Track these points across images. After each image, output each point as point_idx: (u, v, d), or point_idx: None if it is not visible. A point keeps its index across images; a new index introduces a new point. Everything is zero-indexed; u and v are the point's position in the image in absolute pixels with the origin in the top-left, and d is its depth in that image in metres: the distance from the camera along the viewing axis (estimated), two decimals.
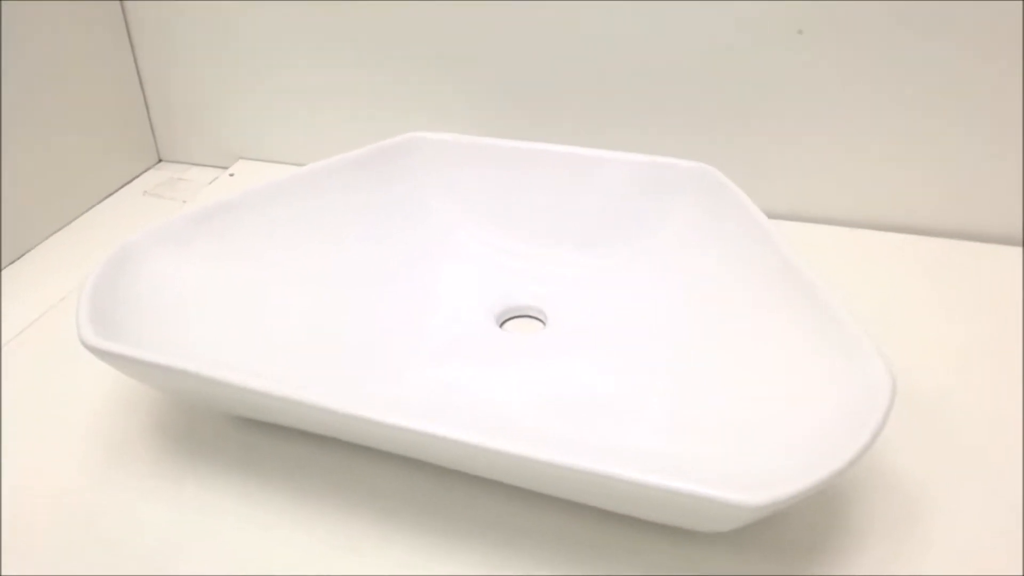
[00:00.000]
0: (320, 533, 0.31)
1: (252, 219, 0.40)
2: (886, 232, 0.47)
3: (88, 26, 0.53)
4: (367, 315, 0.39)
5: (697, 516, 0.26)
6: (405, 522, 0.31)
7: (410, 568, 0.29)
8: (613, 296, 0.40)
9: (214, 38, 0.54)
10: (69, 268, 0.47)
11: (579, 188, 0.43)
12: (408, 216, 0.44)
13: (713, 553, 0.29)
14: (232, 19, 0.53)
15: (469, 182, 0.44)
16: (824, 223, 0.48)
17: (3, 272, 0.47)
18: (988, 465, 0.32)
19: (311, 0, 0.51)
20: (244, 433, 0.35)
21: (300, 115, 0.56)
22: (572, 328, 0.39)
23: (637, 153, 0.42)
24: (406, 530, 0.31)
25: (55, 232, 0.51)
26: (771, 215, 0.47)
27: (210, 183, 0.57)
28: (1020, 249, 0.45)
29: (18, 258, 0.49)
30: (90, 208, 0.54)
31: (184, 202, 0.55)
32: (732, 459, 0.29)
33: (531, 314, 0.41)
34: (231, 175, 0.58)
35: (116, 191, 0.57)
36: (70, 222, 0.53)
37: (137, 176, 0.59)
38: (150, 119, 0.59)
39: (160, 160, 0.61)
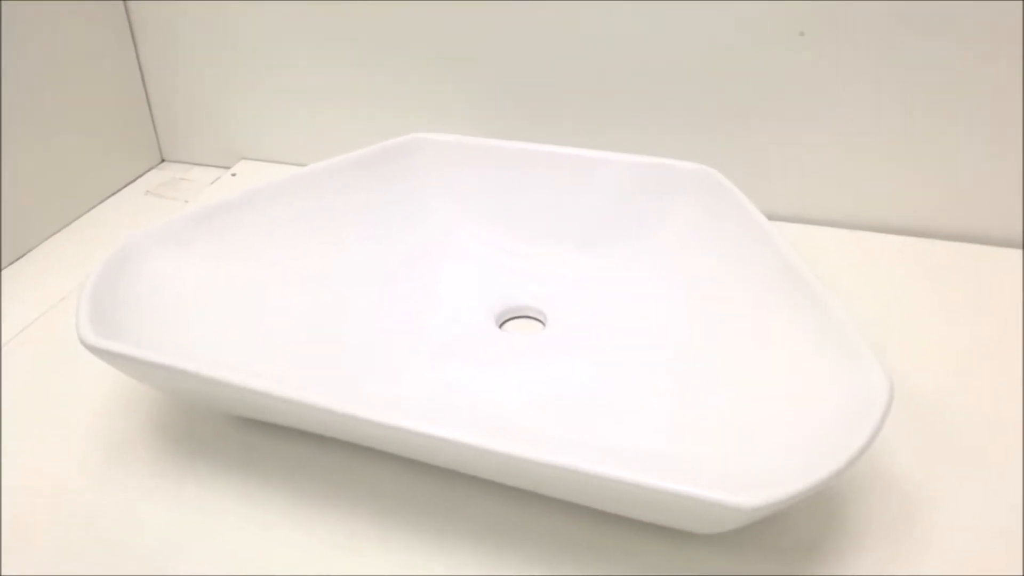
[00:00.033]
0: (320, 533, 0.31)
1: (252, 219, 0.40)
2: (886, 234, 0.47)
3: (92, 26, 0.53)
4: (367, 315, 0.40)
5: (694, 517, 0.26)
6: (404, 522, 0.31)
7: (409, 568, 0.29)
8: (612, 297, 0.40)
9: (217, 38, 0.54)
10: (71, 267, 0.47)
11: (579, 189, 0.43)
12: (408, 216, 0.44)
13: (712, 554, 0.29)
14: (235, 20, 0.53)
15: (469, 183, 0.44)
16: (824, 225, 0.48)
17: (5, 271, 0.48)
18: (988, 466, 0.32)
19: (313, 1, 0.51)
20: (244, 433, 0.35)
21: (302, 115, 0.56)
22: (571, 329, 0.39)
23: (637, 154, 0.42)
24: (405, 530, 0.31)
25: (57, 231, 0.52)
26: (771, 216, 0.47)
27: (212, 183, 0.57)
28: (1020, 251, 0.45)
29: (20, 257, 0.49)
30: (92, 207, 0.54)
31: (186, 202, 0.55)
32: (730, 460, 0.29)
33: (531, 315, 0.41)
34: (233, 175, 0.58)
35: (119, 190, 0.57)
36: (72, 221, 0.53)
37: (140, 176, 0.59)
38: (153, 119, 0.60)
39: (163, 160, 0.61)
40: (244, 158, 0.59)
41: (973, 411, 0.35)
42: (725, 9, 0.44)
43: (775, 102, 0.46)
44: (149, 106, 0.59)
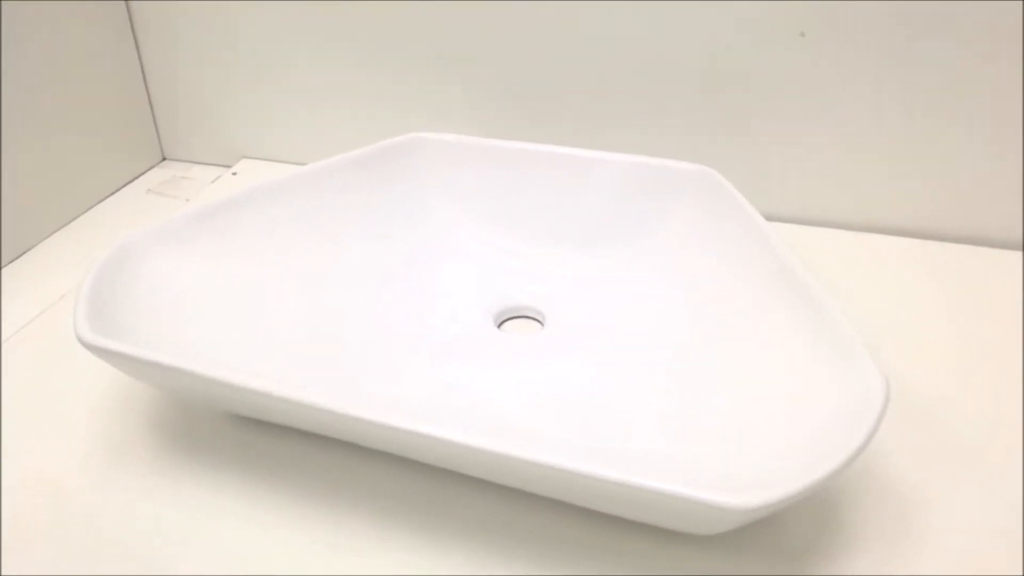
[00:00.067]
0: (318, 532, 0.31)
1: (252, 218, 0.40)
2: (886, 235, 0.47)
3: (93, 25, 0.53)
4: (366, 314, 0.40)
5: (689, 518, 0.26)
6: (403, 521, 0.31)
7: (408, 567, 0.29)
8: (611, 297, 0.40)
9: (218, 38, 0.55)
10: (71, 265, 0.47)
11: (578, 189, 0.43)
12: (408, 216, 0.44)
13: (709, 555, 0.29)
14: (236, 19, 0.53)
15: (469, 182, 0.44)
16: (824, 226, 0.48)
17: (6, 269, 0.48)
18: (986, 468, 0.32)
19: (315, 0, 0.51)
20: (242, 431, 0.35)
21: (303, 115, 0.56)
22: (570, 329, 0.39)
23: (637, 154, 0.42)
24: (404, 529, 0.31)
25: (58, 229, 0.52)
26: (771, 217, 0.47)
27: (213, 182, 0.57)
28: (1020, 253, 0.45)
29: (20, 255, 0.49)
30: (94, 205, 0.55)
31: (187, 200, 0.55)
32: (727, 460, 0.29)
33: (529, 315, 0.41)
34: (234, 174, 0.58)
35: (120, 189, 0.57)
36: (73, 219, 0.53)
37: (141, 174, 0.59)
38: (154, 118, 0.60)
39: (164, 158, 0.61)
40: (245, 157, 0.59)
41: (972, 413, 0.35)
42: (725, 9, 0.44)
43: (775, 102, 0.46)
44: (151, 105, 0.59)
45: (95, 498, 0.32)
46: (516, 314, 0.41)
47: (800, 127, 0.46)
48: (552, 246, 0.43)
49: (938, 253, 0.46)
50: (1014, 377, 0.37)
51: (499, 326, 0.40)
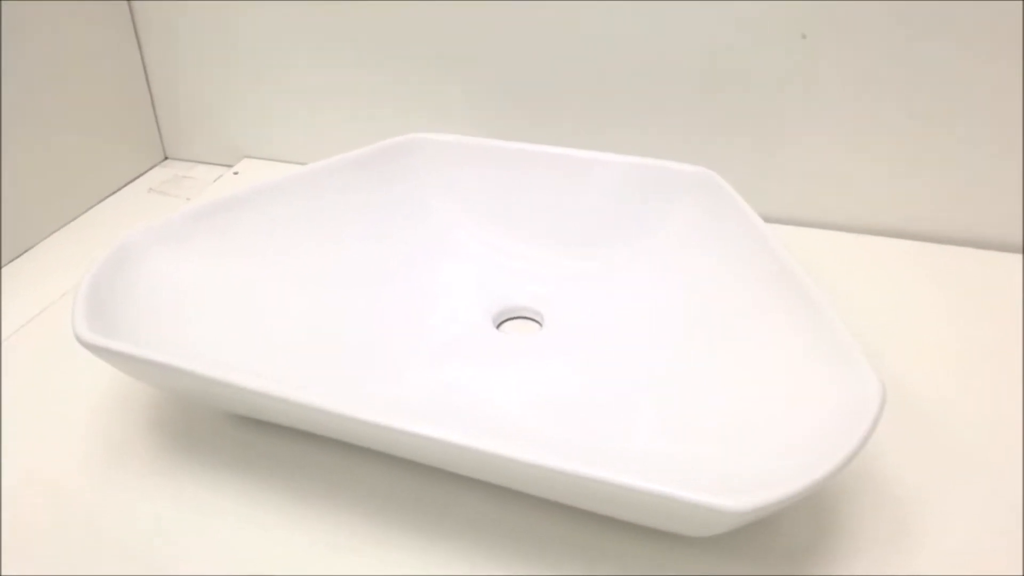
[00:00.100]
0: (318, 533, 0.31)
1: (252, 217, 0.40)
2: (886, 238, 0.47)
3: (96, 25, 0.53)
4: (366, 314, 0.40)
5: (683, 520, 0.26)
6: (402, 522, 0.31)
7: (406, 567, 0.29)
8: (609, 298, 0.40)
9: (221, 38, 0.55)
10: (72, 264, 0.47)
11: (578, 190, 0.43)
12: (408, 216, 0.44)
13: (705, 556, 0.29)
14: (239, 19, 0.53)
15: (469, 183, 0.44)
16: (824, 228, 0.48)
17: (7, 268, 0.48)
18: (986, 470, 0.32)
19: (316, 1, 0.51)
20: (242, 431, 0.35)
21: (305, 115, 0.56)
22: (568, 330, 0.39)
23: (636, 155, 0.42)
24: (403, 530, 0.31)
25: (60, 228, 0.52)
26: (771, 219, 0.47)
27: (214, 181, 0.57)
28: (1020, 256, 0.45)
29: (22, 254, 0.49)
30: (95, 204, 0.55)
31: (188, 199, 0.55)
32: (723, 462, 0.29)
33: (528, 315, 0.41)
34: (235, 173, 0.58)
35: (122, 188, 0.57)
36: (75, 218, 0.53)
37: (143, 173, 0.59)
38: (156, 117, 0.60)
39: (166, 158, 0.62)
40: (247, 156, 0.59)
41: (971, 415, 0.35)
42: (725, 9, 0.44)
43: (775, 103, 0.46)
44: (153, 104, 0.59)
45: (95, 498, 0.32)
46: (515, 315, 0.41)
47: (800, 128, 0.46)
48: (551, 247, 0.43)
49: (938, 255, 0.45)
50: (1014, 380, 0.37)
51: (498, 327, 0.40)
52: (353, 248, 0.42)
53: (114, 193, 0.56)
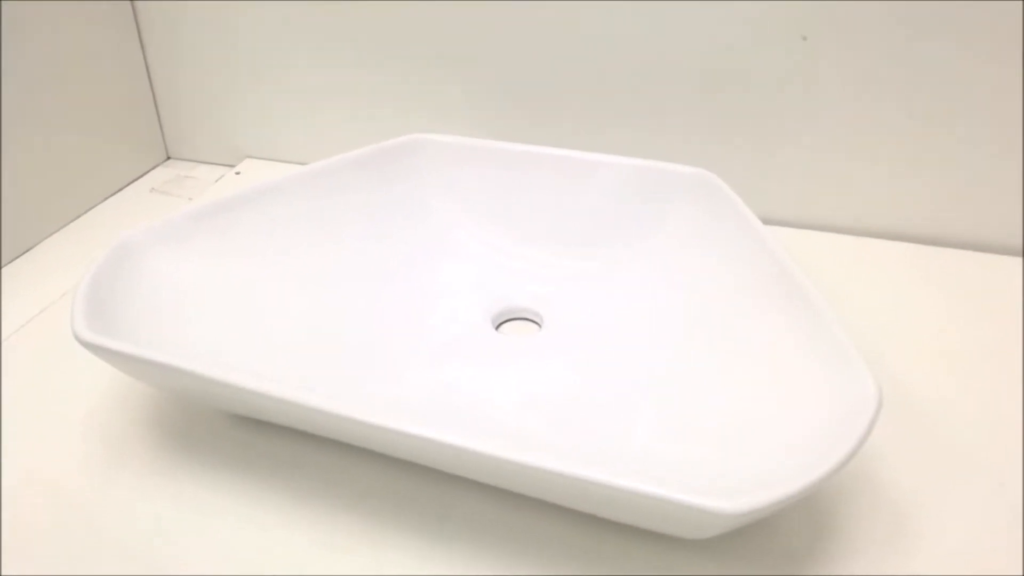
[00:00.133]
0: (317, 533, 0.31)
1: (253, 217, 0.40)
2: (886, 240, 0.47)
3: (99, 25, 0.53)
4: (366, 314, 0.40)
5: (677, 522, 0.26)
6: (401, 522, 0.31)
7: (404, 568, 0.29)
8: (608, 299, 0.40)
9: (223, 38, 0.55)
10: (73, 264, 0.48)
11: (577, 191, 0.43)
12: (408, 216, 0.44)
13: (702, 558, 0.29)
14: (242, 20, 0.54)
15: (469, 183, 0.44)
16: (825, 230, 0.48)
17: (8, 267, 0.48)
18: (986, 473, 0.32)
19: (319, 1, 0.51)
20: (241, 430, 0.35)
21: (307, 115, 0.56)
22: (567, 331, 0.39)
23: (636, 156, 0.42)
24: (401, 530, 0.31)
25: (63, 227, 0.52)
26: (771, 220, 0.47)
27: (216, 181, 0.58)
28: (1020, 259, 0.45)
29: (23, 253, 0.49)
30: (97, 204, 0.55)
31: (190, 199, 0.55)
32: (721, 463, 0.29)
33: (527, 316, 0.41)
34: (237, 173, 0.58)
35: (124, 187, 0.57)
36: (77, 217, 0.53)
37: (145, 173, 0.59)
38: (159, 117, 0.60)
39: (168, 157, 0.62)
40: (249, 157, 0.59)
41: (970, 418, 0.35)
42: (725, 10, 0.44)
43: (775, 104, 0.46)
44: (155, 104, 0.59)
45: (95, 498, 0.32)
46: (515, 315, 0.41)
47: (799, 129, 0.46)
48: (551, 248, 0.43)
49: (937, 258, 0.45)
50: (1013, 383, 0.36)
51: (497, 328, 0.40)
52: (353, 248, 0.42)
53: (116, 193, 0.56)
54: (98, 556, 0.30)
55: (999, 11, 0.40)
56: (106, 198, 0.55)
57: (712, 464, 0.29)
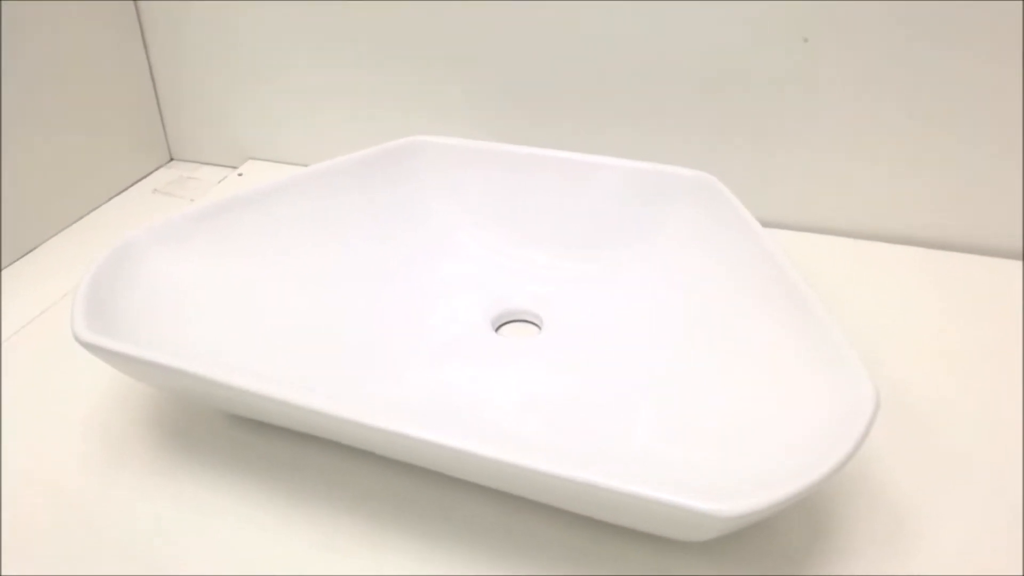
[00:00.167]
0: (317, 534, 0.31)
1: (254, 218, 0.40)
2: (887, 244, 0.47)
3: (102, 26, 0.53)
4: (366, 315, 0.40)
5: (674, 524, 0.26)
6: (399, 524, 0.31)
7: (403, 569, 0.29)
8: (608, 302, 0.40)
9: (227, 39, 0.55)
10: (75, 264, 0.48)
11: (578, 193, 0.43)
12: (409, 218, 0.44)
13: (700, 560, 0.29)
14: (245, 21, 0.54)
15: (470, 185, 0.44)
16: (825, 233, 0.48)
17: (10, 268, 0.48)
18: (986, 475, 0.32)
19: (322, 1, 0.51)
20: (241, 431, 0.35)
21: (310, 117, 0.56)
22: (567, 332, 0.39)
23: (636, 156, 0.42)
24: (401, 531, 0.31)
25: (65, 228, 0.52)
26: (771, 223, 0.47)
27: (219, 182, 0.58)
28: (1021, 263, 0.44)
29: (25, 254, 0.50)
30: (100, 205, 0.55)
31: (192, 200, 0.56)
32: (719, 465, 0.29)
33: (527, 318, 0.41)
34: (240, 175, 0.58)
35: (127, 188, 0.57)
36: (80, 218, 0.53)
37: (148, 174, 0.60)
38: (162, 118, 0.60)
39: (171, 159, 0.62)
40: (251, 158, 0.60)
41: (970, 421, 0.35)
42: (725, 11, 0.44)
43: (775, 105, 0.46)
44: (158, 105, 0.60)
45: (95, 498, 0.33)
46: (514, 318, 0.41)
47: (799, 130, 0.46)
48: (551, 249, 0.43)
49: (938, 261, 0.45)
50: (1013, 386, 0.36)
51: (497, 330, 0.40)
52: (354, 249, 0.42)
53: (119, 194, 0.56)
54: (98, 556, 0.30)
55: (999, 11, 0.40)
56: (109, 199, 0.56)
57: (711, 465, 0.29)
